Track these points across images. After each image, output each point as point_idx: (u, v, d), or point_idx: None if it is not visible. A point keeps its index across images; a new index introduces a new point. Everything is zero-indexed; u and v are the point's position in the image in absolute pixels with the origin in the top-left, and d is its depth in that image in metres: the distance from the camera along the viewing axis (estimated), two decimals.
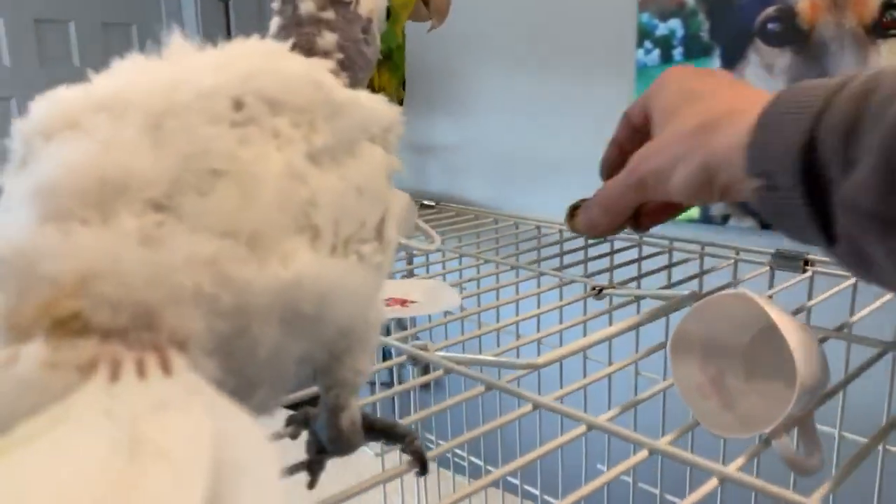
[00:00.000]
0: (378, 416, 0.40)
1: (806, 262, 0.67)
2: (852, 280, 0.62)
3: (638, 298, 0.63)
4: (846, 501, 0.51)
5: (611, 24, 1.31)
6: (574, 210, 0.58)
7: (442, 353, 0.50)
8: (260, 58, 0.33)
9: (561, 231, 0.89)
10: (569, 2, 1.36)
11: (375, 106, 0.35)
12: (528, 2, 1.42)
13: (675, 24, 1.21)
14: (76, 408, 0.21)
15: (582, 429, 0.40)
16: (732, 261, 0.72)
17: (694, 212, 1.24)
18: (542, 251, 0.82)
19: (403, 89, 0.91)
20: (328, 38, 0.39)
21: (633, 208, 0.49)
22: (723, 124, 0.40)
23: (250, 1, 2.36)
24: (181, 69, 0.31)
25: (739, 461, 0.37)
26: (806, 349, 0.38)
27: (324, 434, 0.37)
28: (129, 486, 0.18)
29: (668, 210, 0.53)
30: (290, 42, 0.38)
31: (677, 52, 1.21)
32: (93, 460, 0.19)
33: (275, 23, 0.40)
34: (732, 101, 0.42)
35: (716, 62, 1.17)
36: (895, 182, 0.30)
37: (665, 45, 1.22)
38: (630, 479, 0.76)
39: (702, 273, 0.72)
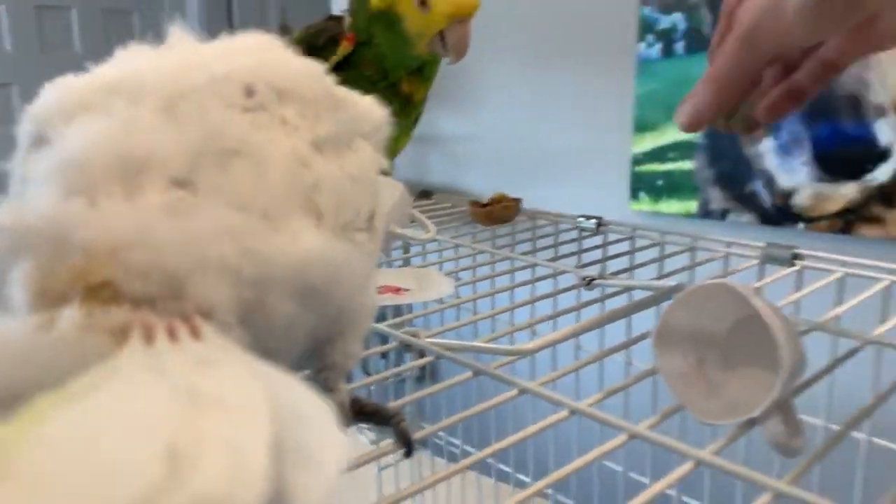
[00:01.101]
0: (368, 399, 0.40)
1: (795, 256, 0.67)
2: (839, 274, 0.62)
3: (628, 289, 0.63)
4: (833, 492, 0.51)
5: (612, 18, 1.30)
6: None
7: (432, 340, 0.50)
8: (266, 50, 0.34)
9: (556, 222, 0.89)
10: None
11: (368, 106, 0.37)
12: None
13: (677, 17, 1.20)
14: (123, 366, 0.22)
15: (564, 413, 0.40)
16: (723, 254, 0.73)
17: (692, 206, 1.24)
18: (538, 242, 0.82)
19: (425, 101, 0.94)
20: None
21: (748, 77, 0.41)
22: None
23: None
24: (188, 56, 0.32)
25: (714, 445, 0.37)
26: (787, 335, 0.38)
27: None
28: (197, 428, 0.19)
29: (792, 97, 0.45)
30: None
31: (679, 46, 1.21)
32: (157, 406, 0.20)
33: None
34: None
35: None
36: None
37: (667, 38, 1.22)
38: (613, 465, 0.77)
39: (693, 265, 0.72)
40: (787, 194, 1.12)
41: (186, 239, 0.26)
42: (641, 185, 1.30)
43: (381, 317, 0.58)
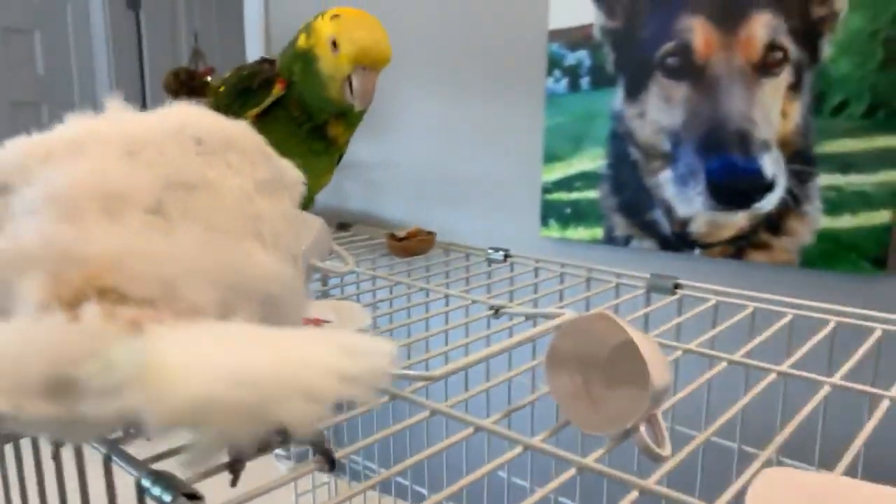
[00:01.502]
0: None
1: (676, 286, 0.74)
2: (713, 301, 0.69)
3: (531, 317, 0.67)
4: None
5: (523, 53, 1.36)
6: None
7: None
8: (203, 114, 0.41)
9: (467, 255, 0.93)
10: (485, 30, 1.41)
11: (287, 165, 0.45)
12: (447, 29, 1.47)
13: (582, 55, 1.27)
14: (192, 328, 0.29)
15: (469, 430, 0.43)
16: (614, 284, 0.79)
17: (598, 232, 1.30)
18: (450, 273, 0.85)
19: (348, 143, 0.98)
20: None
21: None
22: None
23: (162, 8, 2.31)
24: (138, 118, 0.39)
25: (596, 454, 0.42)
26: (655, 359, 0.44)
27: None
28: (339, 342, 0.28)
29: None
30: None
31: (584, 82, 1.28)
32: (296, 334, 0.29)
33: None
34: None
35: (619, 92, 1.24)
36: None
37: (573, 74, 1.28)
38: (504, 474, 0.81)
39: (589, 295, 0.79)
40: (684, 222, 1.20)
41: (174, 251, 0.31)
42: (551, 212, 1.36)
43: None
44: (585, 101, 1.28)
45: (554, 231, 1.36)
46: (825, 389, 0.53)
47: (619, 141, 1.25)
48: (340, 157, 1.01)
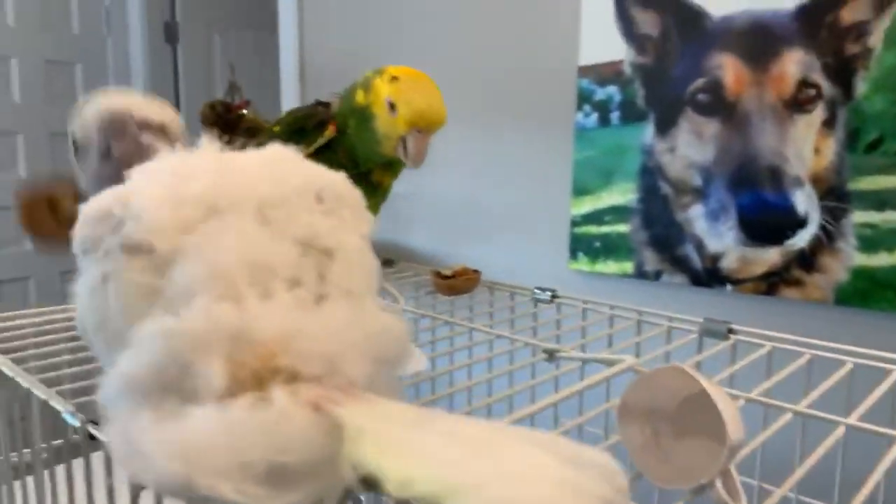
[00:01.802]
0: None
1: (730, 331, 0.73)
2: (768, 348, 0.67)
3: (585, 362, 0.66)
4: None
5: (553, 88, 1.38)
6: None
7: None
8: (301, 162, 0.43)
9: (513, 293, 0.92)
10: (515, 65, 1.43)
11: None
12: (477, 64, 1.49)
13: (612, 90, 1.28)
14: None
15: None
16: (666, 327, 0.77)
17: (628, 266, 1.30)
18: (495, 314, 0.85)
19: (391, 187, 1.03)
20: None
21: None
22: None
23: (198, 46, 2.36)
24: (254, 168, 0.40)
25: None
26: (730, 413, 0.43)
27: None
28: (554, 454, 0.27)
29: None
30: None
31: (614, 117, 1.28)
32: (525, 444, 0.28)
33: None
34: None
35: (650, 127, 1.24)
36: None
37: (603, 109, 1.29)
38: None
39: (640, 338, 0.77)
40: (716, 257, 1.19)
41: (331, 326, 0.33)
42: (580, 245, 1.36)
43: None
44: (615, 135, 1.29)
45: (583, 264, 1.36)
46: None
47: (650, 175, 1.25)
48: (384, 199, 1.04)
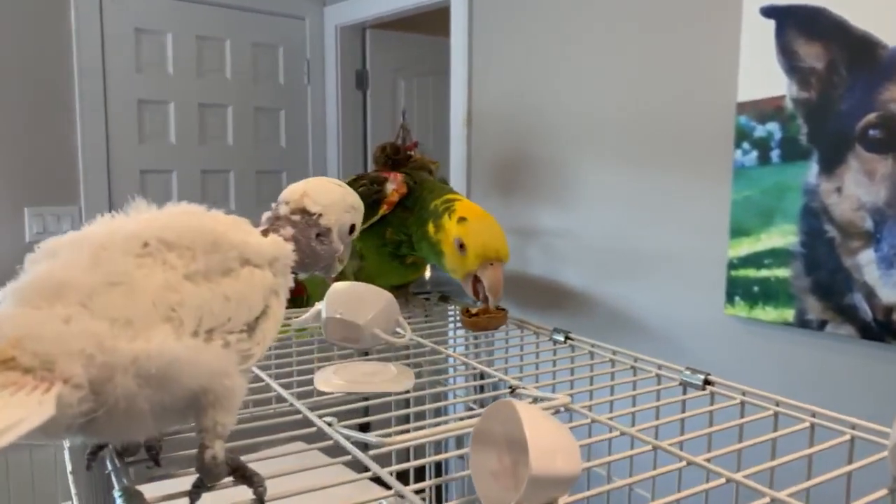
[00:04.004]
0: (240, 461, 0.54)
1: (706, 382, 0.71)
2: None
3: (536, 399, 0.74)
4: None
5: (710, 125, 1.33)
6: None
7: None
8: (180, 214, 0.56)
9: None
10: (672, 102, 1.40)
11: (263, 246, 0.57)
12: (632, 101, 1.48)
13: (772, 126, 1.21)
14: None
15: None
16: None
17: (789, 314, 1.20)
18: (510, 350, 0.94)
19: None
20: (287, 231, 0.63)
21: None
22: None
23: (384, 90, 2.57)
24: (123, 222, 0.54)
25: None
26: (544, 446, 0.46)
27: (196, 465, 0.52)
28: None
29: None
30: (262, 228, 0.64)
31: (775, 154, 1.21)
32: None
33: (265, 215, 0.66)
34: None
35: (813, 166, 1.16)
36: None
37: (762, 147, 1.23)
38: None
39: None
40: (889, 309, 1.08)
41: (62, 335, 0.44)
42: (737, 289, 1.29)
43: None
44: (776, 174, 1.21)
45: (740, 310, 1.28)
46: None
47: (813, 217, 1.16)
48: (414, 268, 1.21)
